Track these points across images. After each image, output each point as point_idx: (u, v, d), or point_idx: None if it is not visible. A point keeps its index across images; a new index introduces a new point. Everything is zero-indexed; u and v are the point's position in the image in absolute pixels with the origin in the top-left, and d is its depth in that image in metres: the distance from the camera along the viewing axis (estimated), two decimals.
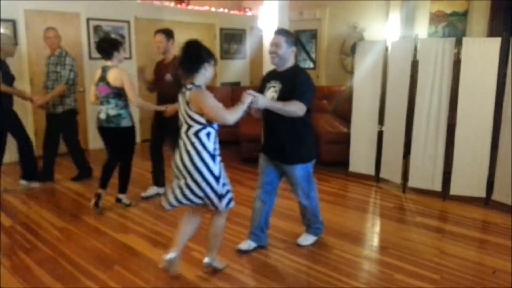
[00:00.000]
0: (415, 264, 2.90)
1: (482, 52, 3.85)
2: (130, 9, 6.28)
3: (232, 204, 2.58)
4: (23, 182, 4.38)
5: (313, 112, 3.01)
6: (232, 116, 2.39)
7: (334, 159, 5.23)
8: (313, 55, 8.42)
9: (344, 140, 4.98)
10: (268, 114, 2.75)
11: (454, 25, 6.21)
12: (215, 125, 2.43)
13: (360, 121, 4.77)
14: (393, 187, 4.53)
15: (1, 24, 5.05)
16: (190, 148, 2.39)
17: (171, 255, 2.59)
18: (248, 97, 2.47)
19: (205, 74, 2.44)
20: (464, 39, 3.93)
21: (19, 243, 3.16)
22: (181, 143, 2.45)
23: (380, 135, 4.66)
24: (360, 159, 4.83)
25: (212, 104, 2.34)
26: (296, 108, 2.63)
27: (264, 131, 2.93)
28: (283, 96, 2.70)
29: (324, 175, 5.03)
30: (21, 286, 2.59)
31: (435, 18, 6.38)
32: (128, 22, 6.25)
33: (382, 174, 4.65)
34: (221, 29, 7.65)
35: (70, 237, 3.29)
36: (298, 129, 2.80)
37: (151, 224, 3.54)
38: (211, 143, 2.42)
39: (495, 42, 3.81)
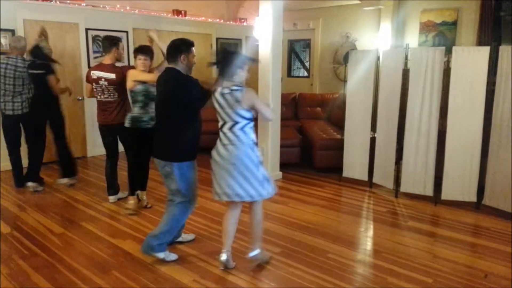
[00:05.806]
0: (407, 267, 2.96)
1: (471, 60, 3.95)
2: (128, 19, 6.38)
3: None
4: None
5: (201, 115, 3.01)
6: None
7: (327, 165, 5.31)
8: (307, 64, 8.56)
9: (338, 146, 5.06)
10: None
11: (443, 35, 6.36)
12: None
13: (353, 128, 4.86)
14: (385, 192, 4.60)
15: (1, 33, 5.12)
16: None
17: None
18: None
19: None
20: (454, 48, 4.04)
21: (17, 250, 3.18)
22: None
23: (372, 141, 4.74)
24: (354, 165, 4.90)
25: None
26: None
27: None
28: None
29: (318, 180, 5.10)
30: None
31: (425, 27, 6.53)
32: (126, 32, 6.33)
33: (375, 180, 4.73)
34: (218, 39, 7.77)
35: (68, 243, 3.32)
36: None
37: (148, 230, 3.56)
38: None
39: (484, 51, 3.91)
